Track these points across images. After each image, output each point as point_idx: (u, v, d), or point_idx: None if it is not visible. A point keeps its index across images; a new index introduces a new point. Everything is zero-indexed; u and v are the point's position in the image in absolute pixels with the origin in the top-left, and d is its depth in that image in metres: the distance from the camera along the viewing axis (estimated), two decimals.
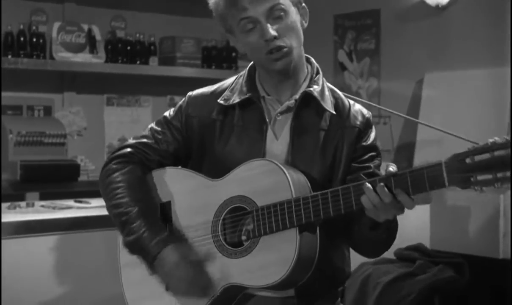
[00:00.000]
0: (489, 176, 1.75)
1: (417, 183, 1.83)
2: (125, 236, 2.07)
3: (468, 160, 1.77)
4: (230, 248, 2.02)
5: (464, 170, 1.78)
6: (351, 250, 2.18)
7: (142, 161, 2.15)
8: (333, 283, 2.13)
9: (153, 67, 5.22)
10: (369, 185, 1.87)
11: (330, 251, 2.09)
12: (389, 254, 3.92)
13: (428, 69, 4.89)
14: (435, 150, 4.07)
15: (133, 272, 2.13)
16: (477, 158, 1.76)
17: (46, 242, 3.03)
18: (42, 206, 3.47)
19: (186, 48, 5.34)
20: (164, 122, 2.19)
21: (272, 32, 2.01)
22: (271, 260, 1.95)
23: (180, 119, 2.16)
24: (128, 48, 5.17)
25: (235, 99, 2.11)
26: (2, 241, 2.89)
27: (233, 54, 5.51)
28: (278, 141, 2.08)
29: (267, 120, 2.08)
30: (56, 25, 4.87)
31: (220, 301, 2.04)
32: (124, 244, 2.09)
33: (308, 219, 1.92)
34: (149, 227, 2.04)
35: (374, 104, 2.84)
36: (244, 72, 2.17)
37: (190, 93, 2.21)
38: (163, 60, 5.36)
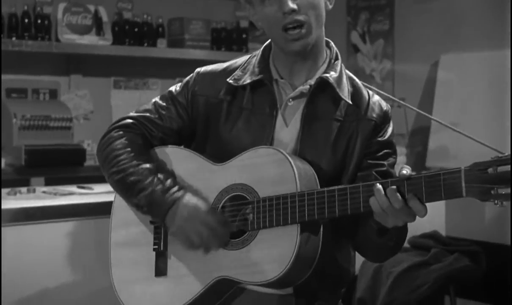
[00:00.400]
0: None
1: (432, 190, 1.72)
2: (136, 195, 1.97)
3: (490, 170, 1.65)
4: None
5: (485, 181, 1.66)
6: None
7: (144, 134, 2.06)
8: (336, 284, 2.04)
9: (161, 50, 5.16)
10: (379, 186, 1.77)
11: (335, 251, 1.99)
12: None
13: (444, 51, 4.84)
14: (450, 134, 3.98)
15: (124, 252, 2.05)
16: (501, 169, 1.65)
17: (46, 230, 2.98)
18: (44, 192, 3.40)
19: (195, 29, 5.26)
20: (169, 98, 2.09)
21: (292, 4, 1.90)
22: (268, 256, 1.86)
23: (186, 96, 2.07)
24: (136, 30, 5.09)
25: (246, 80, 2.01)
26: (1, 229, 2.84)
27: (243, 35, 5.42)
28: (287, 129, 1.98)
29: (278, 105, 1.98)
30: (62, 6, 4.80)
31: (211, 292, 1.95)
32: (133, 205, 1.99)
33: (312, 216, 1.83)
34: (162, 180, 1.95)
35: (392, 98, 2.72)
36: (258, 52, 2.07)
37: (198, 69, 2.11)
38: (172, 42, 5.29)
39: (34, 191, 3.39)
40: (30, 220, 2.94)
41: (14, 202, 3.10)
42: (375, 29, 5.33)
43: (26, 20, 4.64)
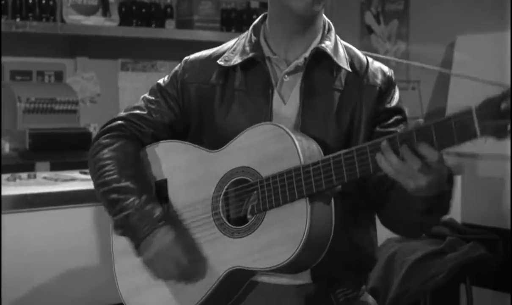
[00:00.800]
0: None
1: (444, 135, 1.59)
2: (114, 215, 1.92)
3: (503, 105, 1.53)
4: (233, 226, 1.85)
5: (500, 116, 1.53)
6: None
7: (135, 134, 1.99)
8: (358, 268, 1.94)
9: (170, 31, 5.11)
10: (385, 143, 1.65)
11: (354, 233, 1.91)
12: None
13: (460, 32, 4.75)
14: None
15: (126, 260, 1.98)
16: None
17: (45, 217, 2.93)
18: (45, 177, 3.34)
19: (204, 10, 5.20)
20: (158, 90, 2.03)
21: None
22: (278, 237, 1.78)
23: (176, 86, 2.00)
24: (143, 10, 5.04)
25: (237, 60, 1.95)
26: None
27: (254, 16, 5.30)
28: (286, 106, 1.91)
29: (273, 82, 1.91)
30: None
31: (223, 289, 1.87)
32: (113, 225, 1.94)
33: (320, 187, 1.74)
34: (142, 204, 1.88)
35: (400, 60, 2.63)
36: (247, 32, 2.01)
37: (186, 57, 2.05)
38: (180, 23, 5.24)
39: (34, 176, 3.32)
40: (29, 207, 2.89)
41: (13, 188, 3.05)
42: (389, 9, 5.27)
43: (31, 1, 4.59)
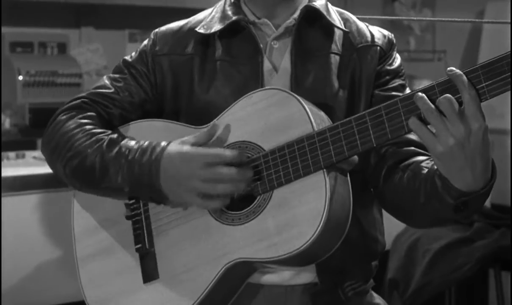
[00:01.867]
0: None
1: (494, 79, 1.43)
2: (100, 181, 1.66)
3: None
4: (231, 212, 1.61)
5: None
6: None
7: (100, 114, 1.76)
8: (365, 255, 1.75)
9: None
10: (421, 94, 1.44)
11: (359, 213, 1.70)
12: None
13: None
14: None
15: (96, 265, 1.74)
16: None
17: (27, 202, 2.83)
18: (34, 157, 3.16)
19: None
20: (125, 67, 1.81)
21: None
22: (291, 219, 1.54)
23: (146, 61, 1.79)
24: None
25: (218, 27, 1.74)
26: None
27: None
28: (278, 75, 1.72)
29: (261, 48, 1.71)
30: None
31: (223, 285, 1.62)
32: (108, 188, 1.67)
33: (341, 155, 1.53)
34: (131, 145, 1.65)
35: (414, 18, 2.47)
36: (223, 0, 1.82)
37: (156, 29, 1.84)
38: None
39: (23, 156, 3.14)
40: (12, 191, 2.81)
41: None
42: None
43: None
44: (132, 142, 1.66)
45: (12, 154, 3.21)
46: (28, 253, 2.86)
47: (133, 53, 1.81)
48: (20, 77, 4.32)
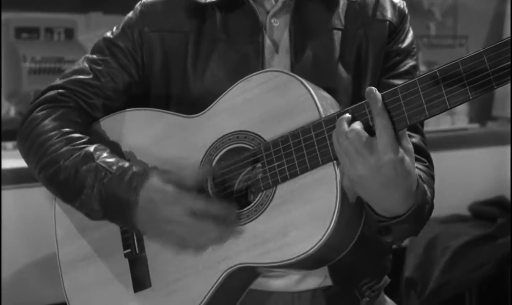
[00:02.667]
0: None
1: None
2: (78, 195, 1.50)
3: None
4: None
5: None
6: None
7: (80, 106, 1.60)
8: (378, 250, 1.62)
9: None
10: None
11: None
12: (462, 209, 3.53)
13: None
14: None
15: (81, 272, 1.60)
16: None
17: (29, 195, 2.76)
18: None
19: None
20: (105, 46, 1.63)
21: None
22: (298, 218, 1.40)
23: (131, 37, 1.61)
24: None
25: None
26: None
27: None
28: (279, 56, 1.57)
29: (262, 25, 1.57)
30: None
31: (222, 294, 1.47)
32: (81, 207, 1.52)
33: None
34: (109, 166, 1.48)
35: None
36: None
37: (141, 1, 1.66)
38: None
39: None
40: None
41: None
42: None
43: None
44: (111, 160, 1.49)
45: (9, 144, 3.19)
46: (29, 248, 2.81)
47: (115, 28, 1.65)
48: (26, 64, 4.24)
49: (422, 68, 4.78)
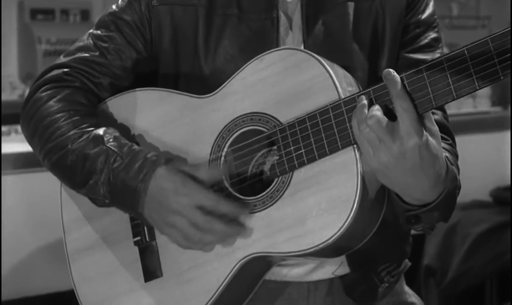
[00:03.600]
0: None
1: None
2: (86, 180, 1.43)
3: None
4: (245, 198, 1.40)
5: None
6: None
7: (87, 86, 1.51)
8: (397, 233, 1.54)
9: None
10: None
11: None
12: (483, 195, 3.45)
13: None
14: None
15: (89, 260, 1.54)
16: None
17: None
18: None
19: None
20: (111, 21, 1.53)
21: None
22: (316, 205, 1.33)
23: (138, 10, 1.52)
24: None
25: None
26: None
27: None
28: (292, 33, 1.49)
29: (277, 1, 1.49)
30: None
31: (237, 286, 1.42)
32: (88, 192, 1.46)
33: None
34: (120, 150, 1.41)
35: None
36: None
37: None
38: None
39: None
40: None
41: (5, 145, 2.82)
42: None
43: None
44: (122, 143, 1.43)
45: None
46: (30, 234, 2.80)
47: (120, 0, 1.55)
48: (41, 46, 4.25)
49: (444, 50, 4.71)
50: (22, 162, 2.76)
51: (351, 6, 1.50)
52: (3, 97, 4.08)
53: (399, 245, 1.56)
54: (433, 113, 1.41)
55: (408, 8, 1.51)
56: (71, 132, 1.43)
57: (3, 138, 2.98)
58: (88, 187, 1.43)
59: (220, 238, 1.36)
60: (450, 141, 1.49)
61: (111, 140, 1.42)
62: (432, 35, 1.52)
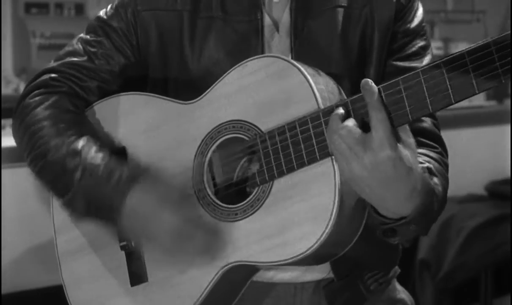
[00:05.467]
0: None
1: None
2: (63, 194, 1.45)
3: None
4: (226, 206, 1.41)
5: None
6: None
7: (73, 90, 1.54)
8: (382, 243, 1.50)
9: None
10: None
11: None
12: (478, 188, 3.46)
13: None
14: None
15: (77, 263, 1.55)
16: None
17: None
18: None
19: None
20: (99, 26, 1.55)
21: None
22: (295, 215, 1.34)
23: (124, 17, 1.54)
24: None
25: None
26: None
27: None
28: (279, 35, 1.50)
29: (261, 2, 1.50)
30: None
31: (221, 291, 1.43)
32: (64, 206, 1.47)
33: None
34: (97, 164, 1.43)
35: None
36: None
37: None
38: None
39: None
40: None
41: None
42: None
43: None
44: (99, 157, 1.44)
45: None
46: (29, 228, 2.79)
47: (109, 7, 1.57)
48: (35, 40, 4.32)
49: (438, 44, 4.71)
50: (16, 156, 2.75)
51: (340, 12, 1.51)
52: None
53: (387, 252, 1.56)
54: (421, 120, 1.44)
55: (397, 17, 1.51)
56: (53, 143, 1.45)
57: None
58: (65, 201, 1.45)
59: (200, 250, 1.38)
60: (440, 150, 1.48)
61: (89, 153, 1.43)
62: (420, 43, 1.52)
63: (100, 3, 4.69)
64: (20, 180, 2.72)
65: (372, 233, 1.41)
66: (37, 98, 1.50)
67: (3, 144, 2.72)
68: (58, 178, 1.44)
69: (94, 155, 1.43)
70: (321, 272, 1.50)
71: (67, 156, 1.43)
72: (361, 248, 1.45)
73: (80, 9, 4.65)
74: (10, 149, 2.73)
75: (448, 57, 1.20)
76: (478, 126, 3.68)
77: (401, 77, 1.23)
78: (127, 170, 1.42)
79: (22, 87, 4.19)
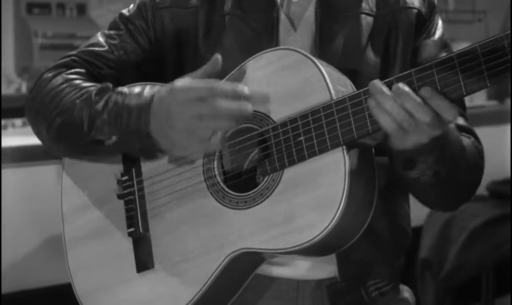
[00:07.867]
0: None
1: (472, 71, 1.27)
2: (88, 132, 1.47)
3: None
4: (235, 194, 1.43)
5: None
6: None
7: (91, 73, 1.59)
8: (393, 250, 1.58)
9: None
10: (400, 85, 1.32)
11: (388, 202, 1.53)
12: (480, 189, 3.47)
13: None
14: None
15: (85, 249, 1.57)
16: None
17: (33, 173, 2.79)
18: None
19: None
20: (121, 22, 1.62)
21: None
22: (304, 203, 1.36)
23: (145, 15, 1.61)
24: None
25: None
26: None
27: None
28: (297, 34, 1.53)
29: (278, 1, 1.55)
30: None
31: (226, 279, 1.45)
32: (90, 150, 1.50)
33: (363, 129, 1.36)
34: (122, 91, 1.47)
35: None
36: None
37: None
38: None
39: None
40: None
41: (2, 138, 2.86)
42: None
43: None
44: (124, 88, 1.50)
45: (18, 121, 3.21)
46: (29, 227, 2.83)
47: (132, 6, 1.65)
48: (37, 40, 4.28)
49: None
50: (19, 156, 2.78)
51: (366, 20, 1.55)
52: None
53: (393, 260, 1.59)
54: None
55: (418, 30, 1.56)
56: (78, 93, 1.50)
57: None
58: (95, 131, 1.47)
59: (230, 121, 1.36)
60: (473, 139, 1.54)
61: (116, 88, 1.49)
62: (443, 54, 1.54)
63: (101, 4, 4.69)
64: (20, 179, 2.77)
65: (382, 241, 1.48)
66: (55, 71, 1.56)
67: (3, 144, 2.75)
68: (87, 117, 1.48)
69: (120, 87, 1.49)
70: (324, 272, 1.52)
71: (95, 96, 1.49)
72: (370, 254, 1.50)
73: (82, 9, 4.64)
74: (10, 149, 2.77)
75: (461, 51, 1.27)
76: (479, 126, 3.68)
77: (395, 77, 1.31)
78: (148, 86, 1.46)
79: (24, 87, 4.21)
